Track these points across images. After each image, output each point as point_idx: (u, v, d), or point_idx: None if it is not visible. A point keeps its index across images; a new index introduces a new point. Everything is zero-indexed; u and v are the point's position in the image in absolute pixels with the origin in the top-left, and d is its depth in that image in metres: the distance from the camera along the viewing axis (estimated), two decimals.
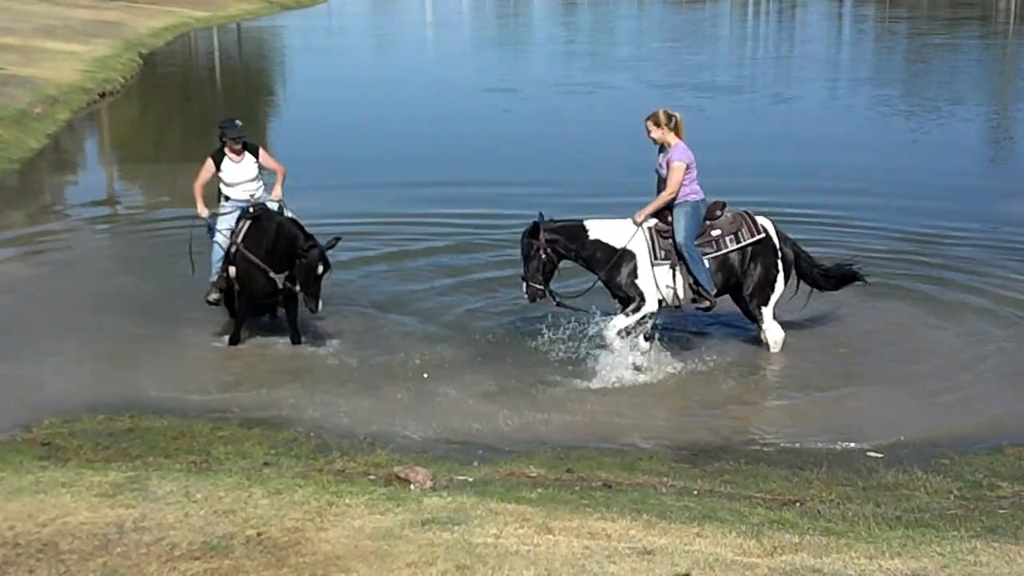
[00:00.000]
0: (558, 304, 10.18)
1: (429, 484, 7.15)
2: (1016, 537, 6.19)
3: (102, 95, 27.95)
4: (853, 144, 21.66)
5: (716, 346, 10.41)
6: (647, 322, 9.99)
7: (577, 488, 7.21)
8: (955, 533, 6.33)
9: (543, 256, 9.83)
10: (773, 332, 10.16)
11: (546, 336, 10.25)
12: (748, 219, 10.07)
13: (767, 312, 10.10)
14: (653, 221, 9.93)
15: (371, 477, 7.38)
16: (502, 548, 5.91)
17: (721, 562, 5.81)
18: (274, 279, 10.11)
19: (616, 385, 9.60)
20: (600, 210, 10.87)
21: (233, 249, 10.33)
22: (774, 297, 10.10)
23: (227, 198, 10.77)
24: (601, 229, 9.91)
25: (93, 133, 26.29)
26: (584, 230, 9.92)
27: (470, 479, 7.36)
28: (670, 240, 9.84)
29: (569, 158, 20.14)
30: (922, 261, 13.30)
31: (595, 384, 9.63)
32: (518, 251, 10.02)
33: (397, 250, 13.85)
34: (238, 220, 10.49)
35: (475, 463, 7.87)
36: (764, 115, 26.13)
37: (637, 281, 9.84)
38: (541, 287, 9.92)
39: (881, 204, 16.10)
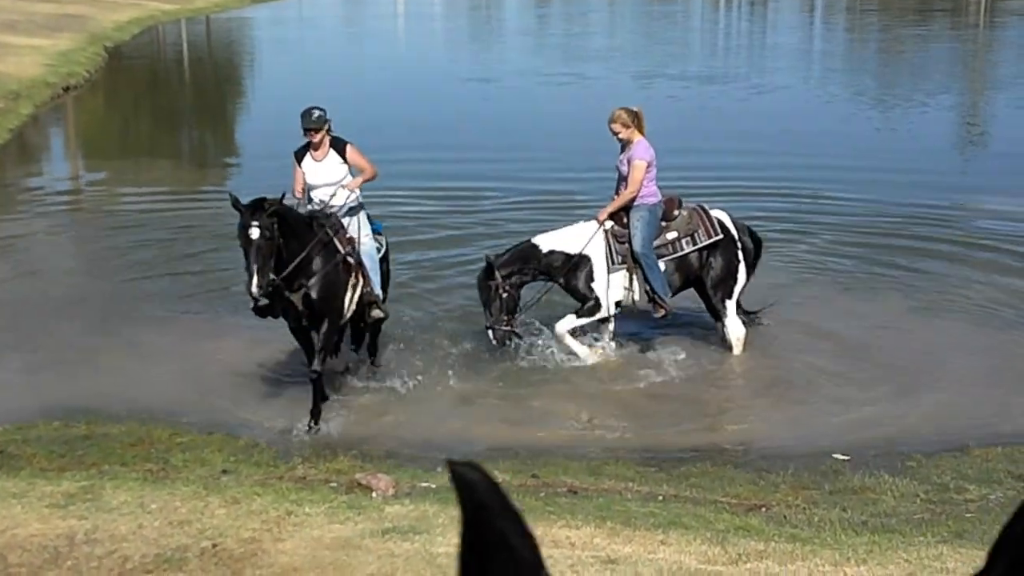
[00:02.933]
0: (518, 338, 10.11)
1: (391, 491, 7.07)
2: (983, 542, 6.14)
3: (66, 89, 27.60)
4: (827, 130, 21.69)
5: (682, 349, 10.31)
6: (608, 324, 9.99)
7: (542, 494, 7.14)
8: (922, 538, 6.30)
9: (503, 295, 9.79)
10: (735, 328, 10.10)
11: (513, 342, 10.17)
12: (704, 218, 9.96)
13: (730, 305, 10.04)
14: (610, 224, 9.88)
15: (332, 484, 7.28)
16: None
17: (685, 571, 5.75)
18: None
19: (583, 390, 9.55)
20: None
21: None
22: (737, 289, 10.05)
23: (310, 201, 9.21)
24: (553, 240, 9.93)
25: (57, 128, 25.98)
26: (535, 247, 9.92)
27: (433, 486, 7.27)
28: (627, 245, 9.79)
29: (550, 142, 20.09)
30: (890, 261, 13.31)
31: (562, 389, 9.58)
32: (487, 257, 9.89)
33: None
34: None
35: (439, 469, 7.76)
36: (741, 105, 26.17)
37: (593, 285, 9.83)
38: (508, 327, 9.88)
39: (851, 196, 16.17)
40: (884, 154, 19.95)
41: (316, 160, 9.11)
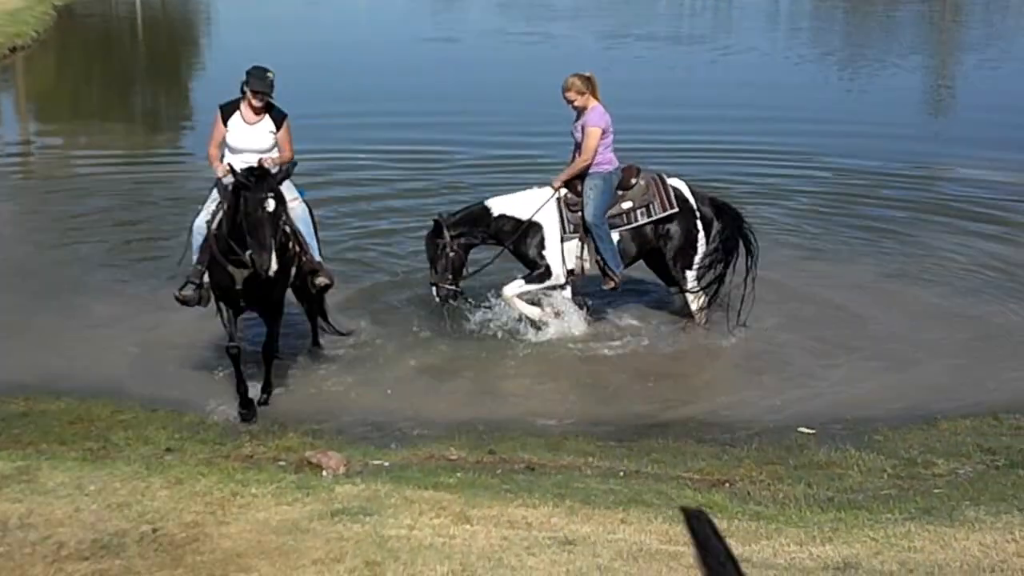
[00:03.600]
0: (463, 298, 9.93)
1: (342, 470, 6.88)
2: (951, 519, 6.05)
3: (13, 49, 27.06)
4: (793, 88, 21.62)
5: (643, 320, 10.15)
6: (565, 292, 9.82)
7: (499, 471, 6.97)
8: (889, 515, 6.18)
9: (450, 254, 9.66)
10: (697, 299, 9.94)
11: (474, 316, 9.96)
12: (661, 188, 9.74)
13: (691, 276, 9.87)
14: (563, 192, 9.69)
15: (281, 463, 7.08)
16: (415, 541, 5.67)
17: (645, 552, 5.61)
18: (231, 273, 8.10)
19: (543, 363, 9.36)
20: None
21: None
22: (697, 259, 9.86)
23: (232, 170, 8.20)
24: (505, 204, 9.78)
25: (5, 89, 25.45)
26: (487, 210, 9.78)
27: (386, 463, 7.09)
28: (580, 214, 9.60)
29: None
30: (862, 224, 13.25)
31: (521, 362, 9.39)
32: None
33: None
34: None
35: (393, 445, 7.59)
36: (710, 66, 26.03)
37: (545, 253, 9.66)
38: (452, 287, 9.76)
39: (822, 157, 16.12)
40: (854, 115, 19.97)
41: (247, 123, 8.48)
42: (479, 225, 9.74)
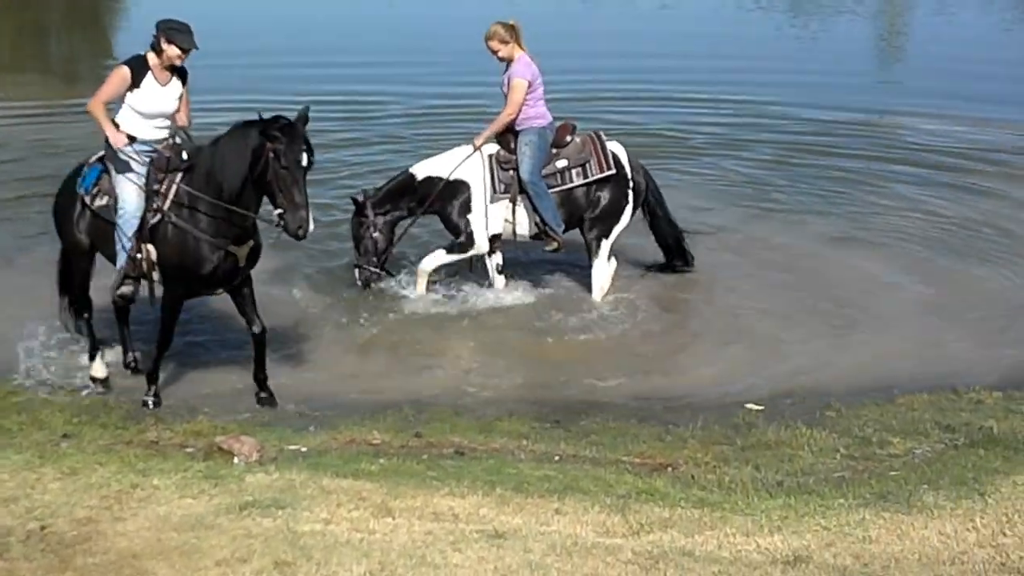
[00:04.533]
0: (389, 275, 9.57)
1: (256, 456, 6.45)
2: (908, 505, 5.77)
3: None
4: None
5: (578, 290, 9.71)
6: (495, 260, 9.45)
7: (425, 457, 6.57)
8: (842, 501, 5.90)
9: (373, 235, 9.23)
10: (602, 272, 9.43)
11: (383, 282, 9.53)
12: (598, 148, 9.26)
13: (605, 246, 9.37)
14: (494, 148, 9.24)
15: (188, 449, 6.63)
16: (331, 537, 5.31)
17: (581, 546, 5.29)
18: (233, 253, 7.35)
19: (474, 338, 8.95)
20: None
21: (155, 217, 7.37)
22: (617, 229, 9.39)
23: (131, 139, 7.44)
24: (429, 166, 9.34)
25: None
26: (411, 177, 9.34)
27: (303, 449, 6.66)
28: (512, 172, 9.15)
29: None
30: (814, 174, 13.14)
31: (452, 338, 8.98)
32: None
33: None
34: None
35: (312, 428, 7.14)
36: (659, 12, 25.77)
37: (469, 216, 9.22)
38: (375, 270, 9.36)
39: (770, 105, 16.03)
40: (803, 63, 19.90)
41: (161, 84, 7.50)
42: (405, 195, 9.30)
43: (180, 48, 7.40)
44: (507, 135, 9.17)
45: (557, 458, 6.65)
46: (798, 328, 9.15)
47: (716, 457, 6.73)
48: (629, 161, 9.44)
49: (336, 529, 5.41)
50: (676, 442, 7.00)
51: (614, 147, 9.39)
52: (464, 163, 9.16)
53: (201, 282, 7.46)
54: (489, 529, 5.44)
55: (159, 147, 7.52)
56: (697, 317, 9.65)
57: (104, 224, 7.59)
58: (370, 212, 9.19)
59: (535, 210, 9.11)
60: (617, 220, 9.36)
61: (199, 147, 7.42)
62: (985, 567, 5.12)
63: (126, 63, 7.53)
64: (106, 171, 7.61)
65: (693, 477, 6.42)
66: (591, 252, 9.40)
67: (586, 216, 9.32)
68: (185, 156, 7.41)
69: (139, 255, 7.43)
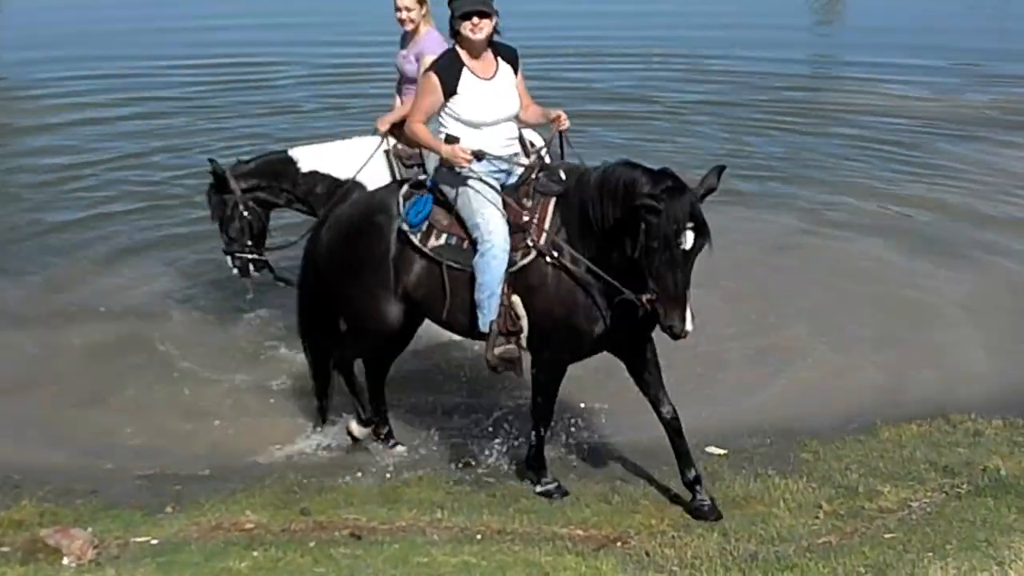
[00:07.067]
0: (277, 278, 8.27)
1: (90, 555, 5.23)
2: None
3: None
4: None
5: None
6: None
7: (312, 543, 5.37)
8: None
9: (244, 213, 7.94)
10: None
11: (262, 272, 8.24)
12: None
13: None
14: (391, 142, 8.00)
15: (3, 549, 5.37)
16: None
17: None
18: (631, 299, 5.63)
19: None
20: None
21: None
22: None
23: (479, 155, 6.00)
24: (317, 157, 7.98)
25: None
26: (293, 163, 7.97)
27: (153, 540, 5.43)
28: (416, 168, 7.91)
29: None
30: (768, 152, 12.85)
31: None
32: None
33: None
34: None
35: (168, 508, 5.89)
36: None
37: None
38: (253, 255, 8.06)
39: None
40: (744, 17, 19.97)
41: (482, 77, 6.05)
42: (282, 181, 7.93)
43: (464, 12, 5.81)
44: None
45: (478, 537, 5.51)
46: (759, 352, 8.15)
47: (675, 524, 5.69)
48: (549, 151, 8.28)
49: None
50: (626, 505, 5.91)
51: (531, 136, 8.23)
52: (369, 164, 7.87)
53: (593, 344, 6.01)
54: None
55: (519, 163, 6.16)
56: None
57: (440, 272, 6.05)
58: (236, 188, 7.90)
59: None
60: None
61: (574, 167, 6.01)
62: None
63: (435, 68, 6.06)
64: (438, 202, 6.17)
65: (647, 553, 5.36)
66: None
67: None
68: (562, 176, 5.96)
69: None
